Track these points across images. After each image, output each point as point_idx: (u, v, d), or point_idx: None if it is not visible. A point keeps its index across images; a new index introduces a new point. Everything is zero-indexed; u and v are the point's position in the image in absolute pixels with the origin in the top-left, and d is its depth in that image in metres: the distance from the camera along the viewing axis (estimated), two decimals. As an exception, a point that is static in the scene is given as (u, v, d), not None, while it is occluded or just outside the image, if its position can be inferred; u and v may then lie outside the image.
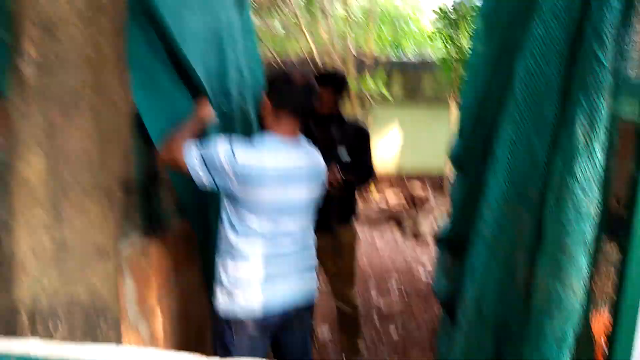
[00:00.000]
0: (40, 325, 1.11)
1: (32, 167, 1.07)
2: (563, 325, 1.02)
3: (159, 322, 1.96)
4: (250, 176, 1.61)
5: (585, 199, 1.01)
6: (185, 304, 2.19)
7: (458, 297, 1.68)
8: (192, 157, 1.63)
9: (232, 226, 1.72)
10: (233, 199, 1.68)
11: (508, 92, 1.28)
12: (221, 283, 1.75)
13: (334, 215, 2.68)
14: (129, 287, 1.75)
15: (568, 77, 1.13)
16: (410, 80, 7.73)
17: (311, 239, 1.91)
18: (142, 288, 1.83)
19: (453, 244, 2.58)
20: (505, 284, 1.30)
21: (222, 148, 1.61)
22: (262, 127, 1.81)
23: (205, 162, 1.61)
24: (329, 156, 2.57)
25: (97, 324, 1.19)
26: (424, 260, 4.91)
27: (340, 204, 2.67)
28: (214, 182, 1.64)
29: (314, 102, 1.75)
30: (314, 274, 1.92)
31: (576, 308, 1.02)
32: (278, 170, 1.66)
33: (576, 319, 1.03)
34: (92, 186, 1.15)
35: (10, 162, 1.09)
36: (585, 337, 1.09)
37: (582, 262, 1.01)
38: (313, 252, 1.92)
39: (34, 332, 1.10)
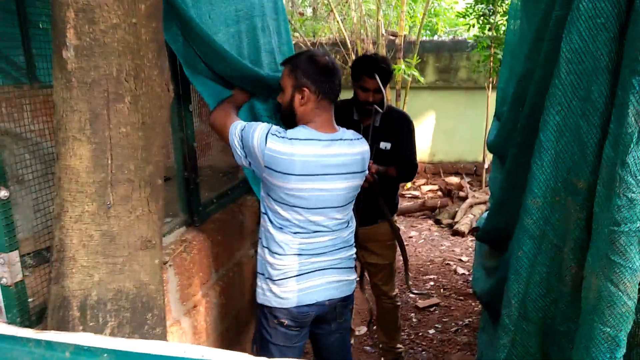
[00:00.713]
0: (91, 318, 1.15)
1: (78, 156, 1.10)
2: (615, 329, 0.97)
3: (201, 316, 2.01)
4: (276, 163, 1.65)
5: (639, 193, 0.95)
6: (227, 296, 2.25)
7: (500, 294, 1.64)
8: (234, 134, 1.72)
9: (269, 218, 1.79)
10: (267, 187, 1.76)
11: (552, 73, 1.23)
12: (260, 272, 1.85)
13: (374, 209, 2.65)
14: (171, 281, 1.80)
15: (618, 57, 1.08)
16: (444, 62, 7.57)
17: (349, 233, 1.92)
18: (184, 281, 1.88)
19: (493, 237, 2.53)
20: (552, 282, 1.27)
21: (258, 132, 1.67)
22: (289, 115, 1.80)
23: (242, 142, 1.70)
24: (371, 145, 2.57)
25: (144, 318, 1.22)
26: (462, 254, 4.85)
27: (381, 198, 2.64)
28: (250, 163, 1.73)
29: (340, 88, 1.77)
30: (352, 269, 1.95)
31: (630, 311, 0.98)
32: (309, 162, 1.68)
33: (629, 323, 0.99)
34: (137, 176, 1.17)
35: (57, 152, 1.13)
36: (638, 342, 1.05)
37: (636, 262, 0.95)
38: (351, 246, 1.94)
39: (84, 326, 1.15)
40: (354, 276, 1.96)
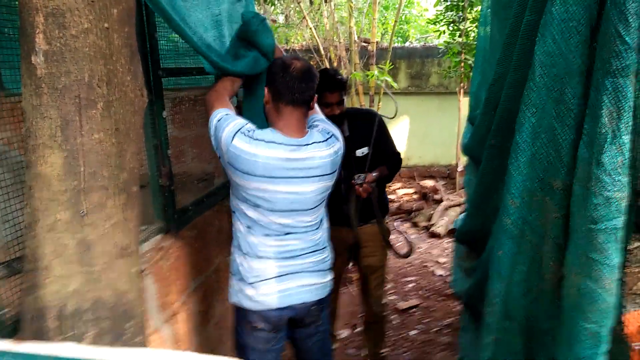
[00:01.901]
0: (68, 329, 1.11)
1: (49, 164, 1.07)
2: (597, 325, 0.98)
3: (181, 325, 1.97)
4: (239, 161, 1.64)
5: (615, 191, 0.97)
6: (207, 303, 2.21)
7: (479, 294, 1.65)
8: (212, 122, 1.71)
9: (238, 217, 1.79)
10: (231, 185, 1.76)
11: (524, 77, 1.24)
12: (232, 272, 1.85)
13: (368, 208, 2.64)
14: (150, 289, 1.76)
15: (591, 60, 1.10)
16: (416, 68, 7.66)
17: (321, 235, 1.90)
18: (162, 289, 1.85)
19: (470, 239, 2.56)
20: (533, 280, 1.28)
21: (229, 128, 1.66)
22: (268, 121, 1.81)
23: (215, 133, 1.69)
24: (347, 155, 2.56)
25: (124, 327, 1.19)
26: (439, 256, 4.89)
27: (368, 200, 2.64)
28: (220, 157, 1.72)
29: (312, 91, 1.73)
30: (326, 272, 1.92)
31: (610, 307, 0.99)
32: (272, 165, 1.66)
33: (610, 318, 1.00)
34: (111, 183, 1.15)
35: (27, 160, 1.09)
36: (618, 337, 1.06)
37: (614, 258, 0.97)
38: (324, 249, 1.92)
39: (61, 337, 1.11)
40: (328, 278, 1.93)
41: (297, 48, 7.73)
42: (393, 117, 2.43)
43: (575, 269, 1.02)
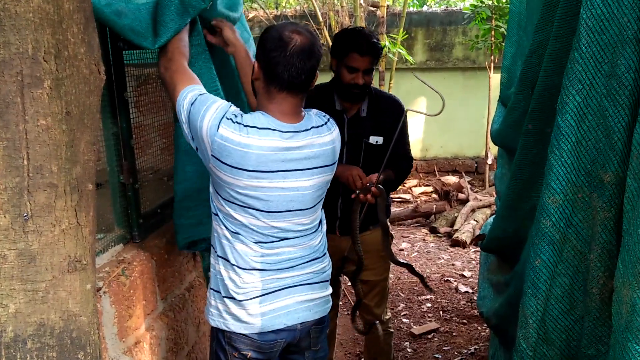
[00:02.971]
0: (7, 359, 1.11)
1: None
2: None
3: (146, 355, 1.99)
4: (227, 154, 1.63)
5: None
6: (177, 329, 2.22)
7: (512, 315, 1.66)
8: (182, 105, 1.69)
9: (222, 221, 1.78)
10: (215, 182, 1.75)
11: (569, 46, 1.25)
12: (215, 289, 1.83)
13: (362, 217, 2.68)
14: (107, 312, 1.77)
15: (649, 24, 1.10)
16: (436, 38, 7.68)
17: (320, 239, 1.92)
18: (123, 312, 1.85)
19: (502, 246, 2.57)
20: (577, 296, 1.29)
21: (211, 114, 1.64)
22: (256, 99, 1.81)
23: (190, 120, 1.67)
24: (358, 141, 2.60)
25: (75, 358, 1.19)
26: (464, 269, 4.92)
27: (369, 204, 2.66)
28: (197, 149, 1.72)
29: (312, 75, 1.71)
30: (326, 283, 1.95)
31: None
32: (266, 156, 1.66)
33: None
34: (60, 180, 1.14)
35: None
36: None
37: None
38: (324, 256, 1.94)
39: None
40: (329, 291, 1.96)
41: (289, 14, 7.73)
42: (438, 114, 2.42)
43: (629, 280, 1.03)
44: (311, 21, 7.27)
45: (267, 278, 1.78)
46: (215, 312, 1.81)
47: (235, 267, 1.76)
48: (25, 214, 1.10)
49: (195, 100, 1.67)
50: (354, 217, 2.44)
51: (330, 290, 1.97)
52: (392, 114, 2.64)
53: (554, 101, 1.32)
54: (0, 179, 1.08)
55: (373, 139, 2.62)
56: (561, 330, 1.32)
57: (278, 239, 1.78)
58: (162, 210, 2.21)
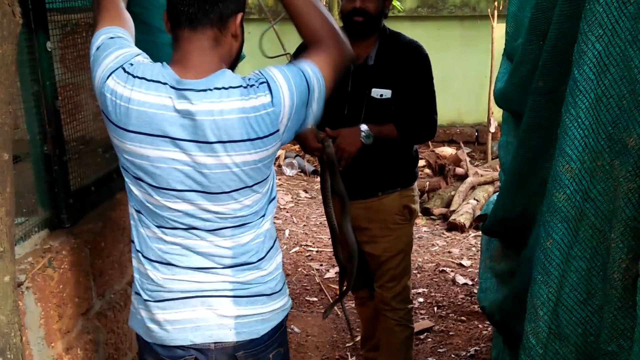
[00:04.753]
0: None
1: None
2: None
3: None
4: (112, 109, 1.62)
5: None
6: (119, 331, 2.22)
7: (519, 308, 1.68)
8: (92, 48, 1.70)
9: (129, 197, 1.77)
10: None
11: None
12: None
13: (371, 176, 2.75)
14: (31, 311, 1.75)
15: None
16: (429, -19, 7.67)
17: (255, 243, 1.80)
18: (51, 312, 1.84)
19: (507, 228, 2.60)
20: (595, 282, 1.30)
21: (109, 60, 1.64)
22: None
23: (91, 68, 1.69)
24: (360, 92, 2.63)
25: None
26: (462, 257, 4.99)
27: (367, 166, 2.70)
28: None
29: (225, 5, 1.62)
30: (261, 301, 1.81)
31: None
32: (150, 114, 1.60)
33: None
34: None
35: None
36: None
37: None
38: (264, 267, 1.82)
39: None
40: (264, 308, 1.82)
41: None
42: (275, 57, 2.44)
43: (657, 262, 1.05)
44: (278, -41, 7.19)
45: (174, 278, 1.73)
46: (133, 310, 1.83)
47: (140, 255, 1.75)
48: None
49: (102, 44, 1.68)
50: (323, 181, 2.53)
51: (276, 306, 1.84)
52: (405, 63, 2.67)
53: (570, 52, 1.33)
54: None
55: (376, 92, 2.65)
56: (577, 323, 1.34)
57: (184, 227, 1.70)
58: (96, 188, 2.19)
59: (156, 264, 1.72)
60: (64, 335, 1.90)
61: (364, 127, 2.57)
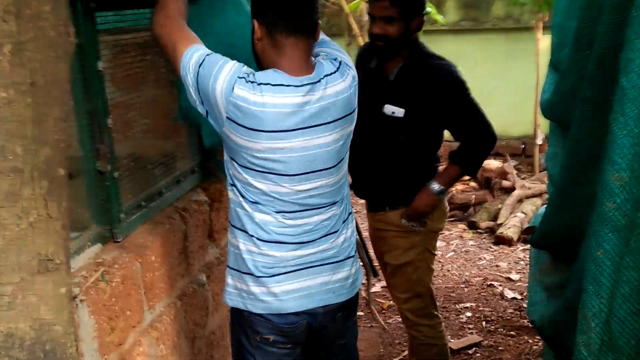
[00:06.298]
0: None
1: None
2: None
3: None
4: (243, 115, 1.79)
5: None
6: (169, 343, 2.24)
7: (571, 321, 1.66)
8: (187, 67, 1.82)
9: (240, 190, 1.94)
10: (230, 149, 1.91)
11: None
12: (233, 267, 2.03)
13: (383, 190, 2.79)
14: (85, 324, 1.77)
15: None
16: (472, -6, 7.65)
17: (346, 208, 2.09)
18: (104, 324, 1.86)
19: (557, 241, 2.56)
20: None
21: (225, 74, 1.79)
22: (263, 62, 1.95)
23: (198, 83, 1.82)
24: (373, 106, 2.66)
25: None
26: (510, 270, 4.92)
27: (375, 184, 2.77)
28: (207, 113, 1.87)
29: (315, 14, 1.88)
30: (352, 261, 2.11)
31: None
32: (283, 114, 1.82)
33: None
34: (27, 163, 1.16)
35: None
36: None
37: None
38: (350, 222, 2.11)
39: None
40: (357, 266, 2.15)
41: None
42: None
43: None
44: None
45: (289, 254, 1.96)
46: (234, 291, 2.01)
47: (255, 239, 1.93)
48: (-15, 205, 1.12)
49: (203, 61, 1.81)
50: None
51: (357, 265, 2.15)
52: (426, 85, 2.64)
53: (616, 61, 1.32)
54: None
55: (389, 109, 2.66)
56: (630, 335, 1.31)
57: (301, 209, 1.95)
58: (146, 203, 2.22)
59: (273, 244, 1.93)
60: (117, 347, 1.93)
61: (434, 185, 2.67)
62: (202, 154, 2.69)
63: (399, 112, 2.63)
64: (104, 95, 1.96)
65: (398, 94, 2.64)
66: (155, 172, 2.37)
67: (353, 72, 1.99)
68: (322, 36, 2.07)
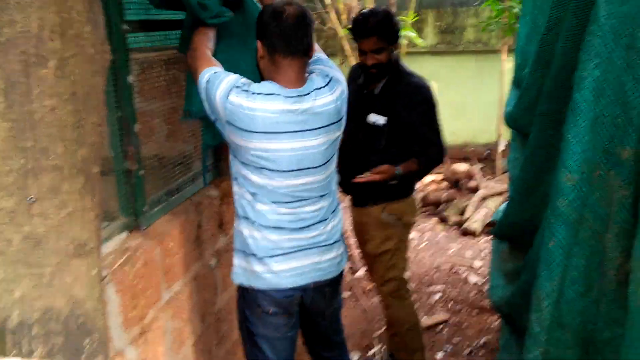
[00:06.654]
0: (12, 346, 1.13)
1: None
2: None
3: (152, 346, 2.00)
4: (238, 118, 1.86)
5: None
6: (183, 319, 2.24)
7: (525, 303, 1.67)
8: (202, 86, 1.92)
9: (242, 185, 2.01)
10: (232, 147, 1.98)
11: (586, 20, 1.26)
12: (239, 249, 2.09)
13: (365, 188, 2.77)
14: (112, 301, 1.78)
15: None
16: (447, 20, 7.63)
17: (335, 197, 2.15)
18: (127, 302, 1.86)
19: (515, 232, 2.58)
20: (593, 277, 1.29)
21: (223, 85, 1.87)
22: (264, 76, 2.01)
23: (207, 96, 1.90)
24: (359, 116, 2.68)
25: (81, 344, 1.21)
26: (474, 258, 4.92)
27: (361, 184, 2.73)
28: (216, 120, 1.94)
29: (309, 38, 1.93)
30: (341, 243, 2.18)
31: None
32: (272, 118, 1.86)
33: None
34: (66, 162, 1.16)
35: None
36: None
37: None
38: (337, 213, 2.16)
39: (3, 356, 1.13)
40: (342, 249, 2.19)
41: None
42: None
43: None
44: (318, 3, 7.22)
45: (284, 237, 2.01)
46: (239, 270, 2.07)
47: (257, 224, 1.99)
48: (30, 197, 1.12)
49: (209, 78, 1.89)
50: None
51: (343, 247, 2.19)
52: (404, 97, 2.69)
53: (570, 79, 1.33)
54: (6, 161, 1.10)
55: (372, 118, 2.70)
56: (576, 314, 1.33)
57: (294, 199, 1.99)
58: (167, 197, 2.22)
59: (271, 229, 1.99)
60: (138, 321, 1.92)
61: (398, 168, 2.67)
62: (215, 156, 2.70)
63: (381, 120, 2.67)
64: (133, 105, 1.95)
65: (381, 105, 2.67)
66: (175, 171, 2.36)
67: (342, 86, 2.03)
68: (321, 54, 2.13)
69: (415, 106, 2.69)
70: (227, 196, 2.67)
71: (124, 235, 1.98)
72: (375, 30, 2.59)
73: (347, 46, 5.93)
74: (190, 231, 2.32)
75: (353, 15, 5.77)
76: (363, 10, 2.80)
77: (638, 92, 1.13)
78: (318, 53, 2.12)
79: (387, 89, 2.70)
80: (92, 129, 1.22)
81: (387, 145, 2.72)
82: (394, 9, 6.46)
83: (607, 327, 1.28)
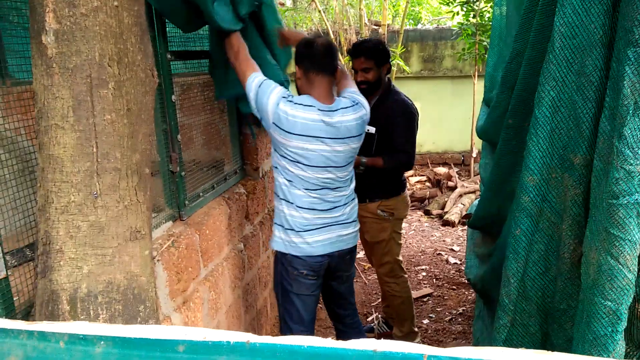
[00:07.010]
0: (81, 312, 1.14)
1: (61, 145, 1.09)
2: (616, 303, 0.98)
3: (192, 313, 2.01)
4: (282, 121, 1.96)
5: (637, 165, 0.97)
6: (217, 291, 2.25)
7: (494, 280, 1.66)
8: (250, 88, 2.00)
9: (281, 173, 2.09)
10: (274, 143, 2.07)
11: (543, 52, 1.24)
12: (279, 224, 2.17)
13: (363, 186, 2.73)
14: (160, 276, 1.79)
15: (612, 30, 1.09)
16: (429, 51, 7.60)
17: (352, 188, 2.24)
18: (173, 277, 1.88)
19: (486, 223, 2.56)
20: (551, 259, 1.28)
21: (275, 95, 1.97)
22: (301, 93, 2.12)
23: (257, 99, 1.98)
24: None
25: (137, 310, 1.22)
26: (453, 244, 4.90)
27: (365, 178, 2.71)
28: (261, 118, 2.02)
29: (335, 61, 2.06)
30: (357, 222, 2.29)
31: (630, 284, 0.99)
32: (308, 125, 1.97)
33: (630, 296, 1.00)
34: (123, 164, 1.17)
35: (39, 142, 1.12)
36: (637, 315, 1.07)
37: (635, 234, 0.97)
38: (354, 199, 2.25)
39: (75, 319, 1.14)
40: (358, 227, 2.31)
41: (306, 32, 7.69)
42: None
43: (595, 245, 1.03)
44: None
45: (315, 217, 2.11)
46: (279, 240, 2.16)
47: (294, 205, 2.09)
48: (95, 193, 1.12)
49: (261, 84, 1.99)
50: None
51: (358, 226, 2.30)
52: (390, 110, 2.68)
53: (531, 100, 1.32)
54: (75, 164, 1.10)
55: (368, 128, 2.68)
56: (538, 289, 1.31)
57: (321, 187, 2.09)
58: (203, 194, 2.23)
59: (305, 209, 2.10)
60: (181, 293, 1.93)
61: (363, 158, 2.63)
62: (242, 160, 2.70)
63: (372, 129, 2.64)
64: (175, 119, 1.97)
65: (373, 117, 2.64)
66: (210, 172, 2.37)
67: (365, 111, 2.16)
68: (353, 86, 2.26)
69: (397, 118, 2.68)
70: (252, 193, 2.67)
71: (169, 224, 1.99)
72: (364, 52, 2.62)
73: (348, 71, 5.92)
74: (222, 221, 2.32)
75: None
76: (360, 38, 2.83)
77: (587, 109, 1.12)
78: (352, 84, 2.27)
79: (378, 104, 2.68)
80: (143, 138, 1.22)
81: (376, 151, 2.70)
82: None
83: (563, 300, 1.27)
